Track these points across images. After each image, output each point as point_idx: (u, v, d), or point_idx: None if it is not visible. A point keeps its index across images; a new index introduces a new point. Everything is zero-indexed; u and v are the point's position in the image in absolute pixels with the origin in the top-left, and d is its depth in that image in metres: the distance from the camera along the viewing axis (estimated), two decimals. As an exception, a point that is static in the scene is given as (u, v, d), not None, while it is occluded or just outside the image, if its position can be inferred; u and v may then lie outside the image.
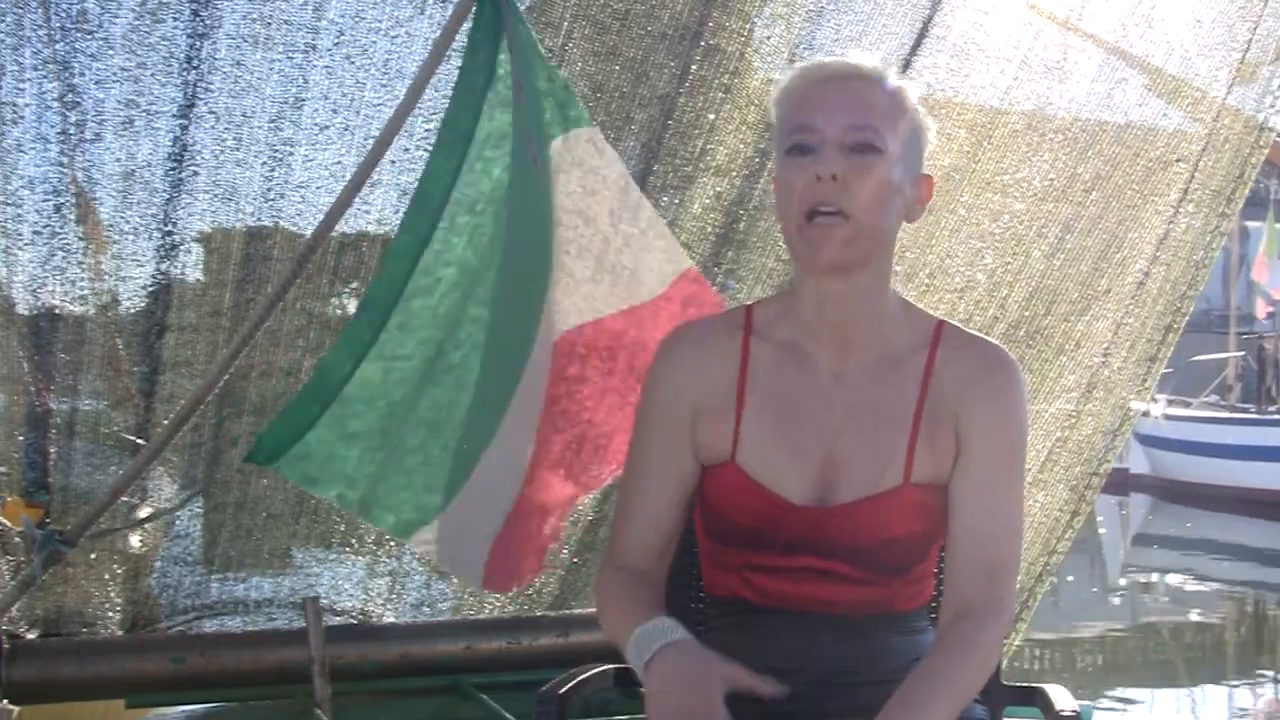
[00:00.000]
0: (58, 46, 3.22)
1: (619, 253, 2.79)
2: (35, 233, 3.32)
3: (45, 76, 3.23)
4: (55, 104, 3.25)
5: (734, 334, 2.36)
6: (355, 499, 2.62)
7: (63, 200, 3.32)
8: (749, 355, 2.34)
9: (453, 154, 2.53)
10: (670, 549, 2.39)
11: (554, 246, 2.66)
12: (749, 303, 2.44)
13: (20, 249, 3.33)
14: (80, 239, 3.36)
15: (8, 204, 3.28)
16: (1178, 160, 4.19)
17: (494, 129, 2.57)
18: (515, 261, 2.62)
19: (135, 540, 3.79)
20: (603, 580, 2.37)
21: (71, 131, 3.28)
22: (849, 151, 2.18)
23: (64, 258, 3.35)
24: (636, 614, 2.22)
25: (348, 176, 3.30)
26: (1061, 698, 2.47)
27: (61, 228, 3.33)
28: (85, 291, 3.41)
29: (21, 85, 3.21)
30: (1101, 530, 21.05)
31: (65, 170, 3.31)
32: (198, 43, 3.29)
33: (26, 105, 3.24)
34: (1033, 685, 2.54)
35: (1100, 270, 4.26)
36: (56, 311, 3.41)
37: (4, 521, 3.49)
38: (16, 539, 3.42)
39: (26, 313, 3.41)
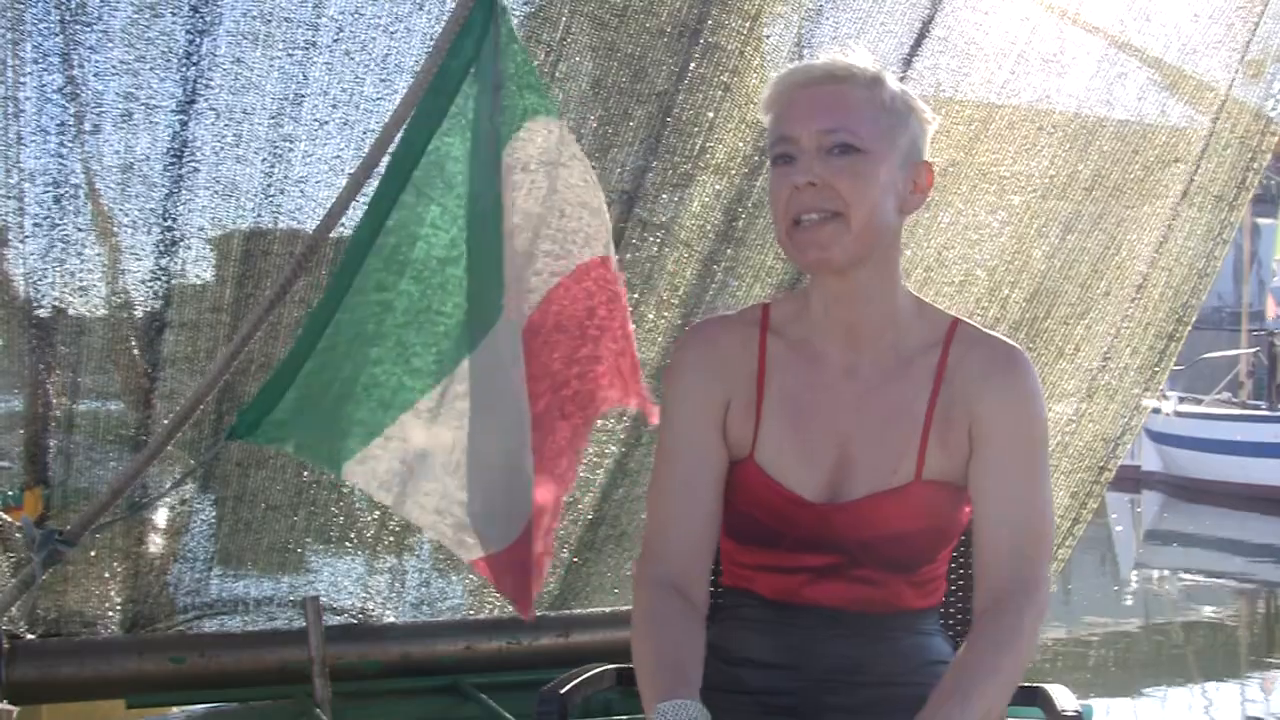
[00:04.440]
0: (57, 39, 3.21)
1: (561, 218, 2.80)
2: (35, 225, 3.31)
3: (45, 70, 3.22)
4: (55, 96, 3.24)
5: (752, 331, 2.38)
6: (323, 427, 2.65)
7: (63, 192, 3.31)
8: (766, 352, 2.36)
9: (422, 133, 2.56)
10: (711, 548, 2.37)
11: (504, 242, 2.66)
12: (766, 301, 2.46)
13: (21, 242, 3.32)
14: (80, 230, 3.35)
15: (8, 197, 3.27)
16: (1175, 160, 4.16)
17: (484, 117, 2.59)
18: (474, 253, 2.65)
19: (157, 540, 3.78)
20: (641, 591, 2.34)
21: (71, 124, 3.27)
22: (827, 155, 2.19)
23: (63, 249, 3.35)
24: (667, 674, 2.17)
25: (347, 170, 3.32)
26: (1063, 697, 2.47)
27: (61, 220, 3.33)
28: (85, 285, 3.41)
29: (22, 79, 3.20)
30: (1118, 528, 21.09)
31: (65, 163, 3.30)
32: (197, 39, 3.28)
33: (27, 99, 3.23)
34: (1034, 685, 2.53)
35: (1099, 272, 4.25)
36: (56, 305, 3.40)
37: (4, 517, 3.48)
38: (17, 535, 3.41)
39: (26, 307, 3.40)
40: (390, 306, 2.63)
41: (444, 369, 2.67)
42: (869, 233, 2.21)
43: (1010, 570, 2.24)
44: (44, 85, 3.23)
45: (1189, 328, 4.34)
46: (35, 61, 3.21)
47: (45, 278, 3.36)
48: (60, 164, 3.29)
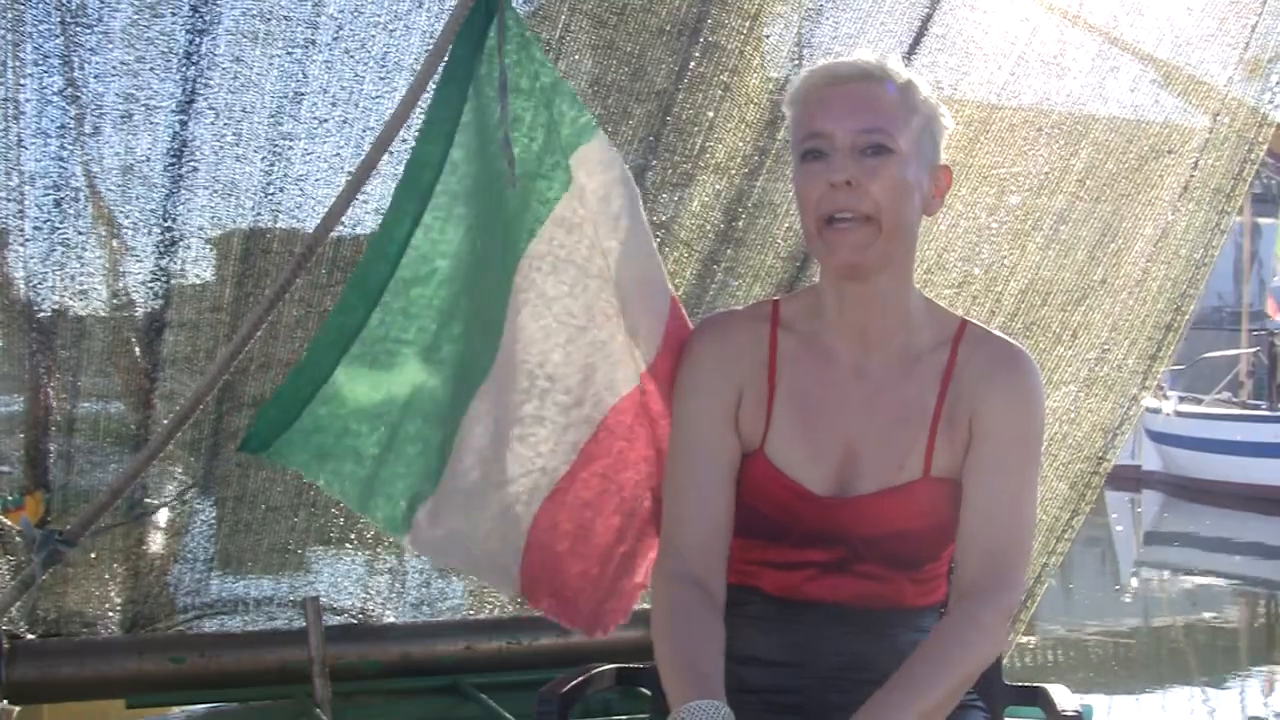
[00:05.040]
0: (57, 40, 3.20)
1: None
2: (35, 227, 3.31)
3: (45, 71, 3.21)
4: (55, 98, 3.24)
5: (762, 326, 2.40)
6: (361, 476, 2.57)
7: (63, 195, 3.31)
8: (776, 347, 2.38)
9: (436, 142, 2.50)
10: (726, 540, 2.38)
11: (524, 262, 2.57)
12: (776, 298, 2.48)
13: (21, 244, 3.32)
14: (80, 233, 3.35)
15: (9, 199, 3.27)
16: (1169, 152, 4.17)
17: (487, 123, 2.53)
18: (485, 264, 2.57)
19: (157, 541, 3.78)
20: (661, 587, 2.35)
21: (71, 126, 3.27)
22: (860, 155, 2.20)
23: (64, 252, 3.35)
24: (690, 673, 2.18)
25: (346, 169, 3.32)
26: (1063, 697, 2.48)
27: (61, 223, 3.33)
28: (85, 287, 3.40)
29: (23, 81, 3.20)
30: (1118, 528, 21.09)
31: (65, 165, 3.30)
32: (197, 39, 3.28)
33: (27, 100, 3.22)
34: (1034, 685, 2.54)
35: (1096, 259, 4.26)
36: (56, 308, 3.40)
37: (4, 520, 3.48)
38: (17, 538, 3.41)
39: (27, 309, 3.40)
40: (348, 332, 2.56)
41: (392, 409, 2.59)
42: (894, 235, 2.23)
43: (982, 567, 2.26)
44: (44, 87, 3.23)
45: (1186, 318, 4.35)
46: (35, 63, 3.21)
47: (45, 280, 3.36)
48: (60, 166, 3.29)
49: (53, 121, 3.27)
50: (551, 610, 2.71)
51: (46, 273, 3.35)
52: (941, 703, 2.14)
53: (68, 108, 3.27)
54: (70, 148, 3.29)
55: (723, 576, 2.37)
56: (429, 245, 2.50)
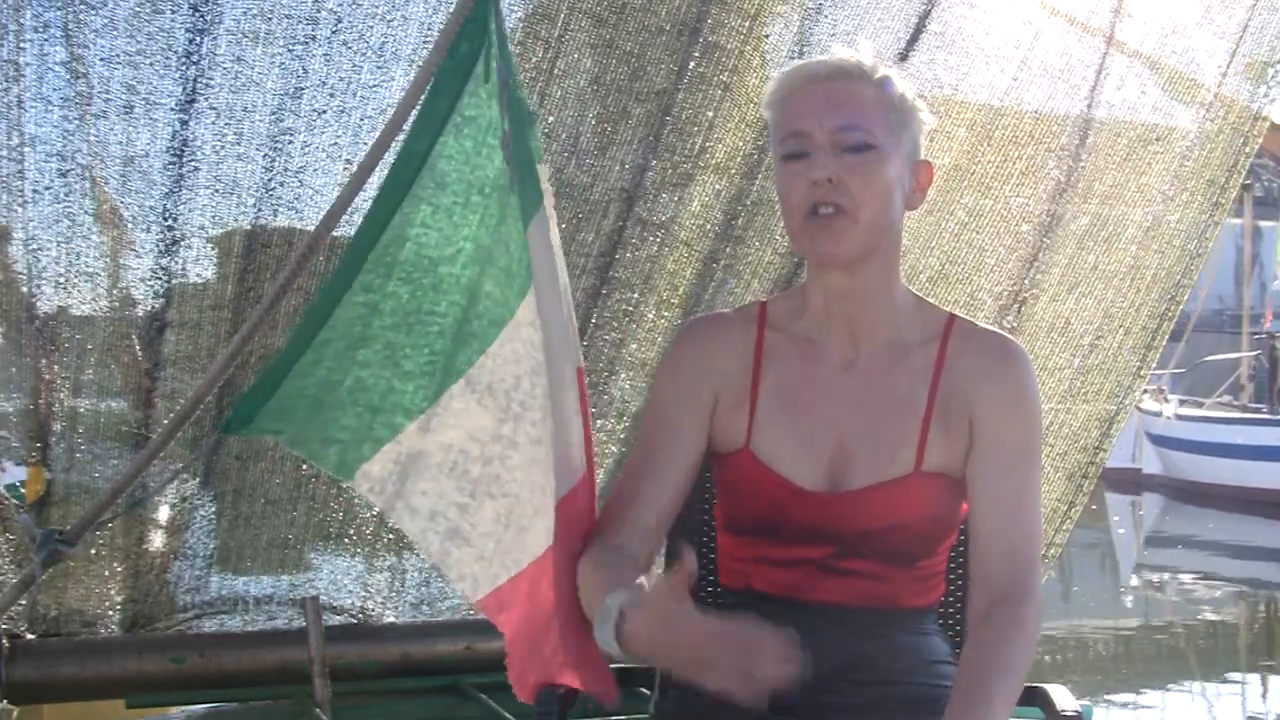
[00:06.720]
0: (58, 33, 3.20)
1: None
2: (36, 225, 3.31)
3: (47, 71, 3.21)
4: (55, 96, 3.24)
5: (749, 327, 2.41)
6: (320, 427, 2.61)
7: (64, 192, 3.31)
8: (763, 347, 2.38)
9: (424, 137, 2.53)
10: (661, 533, 2.39)
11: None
12: (764, 299, 2.49)
13: (23, 240, 3.32)
14: (81, 229, 3.35)
15: (10, 195, 3.27)
16: (1157, 139, 4.19)
17: (494, 118, 2.56)
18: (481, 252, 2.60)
19: (157, 539, 3.78)
20: (591, 550, 2.35)
21: (74, 117, 3.27)
22: (841, 152, 2.21)
23: (64, 250, 3.34)
24: (610, 579, 2.16)
25: (344, 157, 3.33)
26: (1062, 697, 2.47)
27: (62, 220, 3.32)
28: (86, 284, 3.40)
29: (24, 73, 3.20)
30: (1119, 530, 21.10)
31: (66, 163, 3.29)
32: (197, 38, 3.27)
33: (28, 100, 3.22)
34: (1034, 685, 2.53)
35: (1086, 247, 4.27)
36: (58, 304, 3.40)
37: (4, 495, 3.49)
38: (16, 520, 3.41)
39: (28, 305, 3.40)
40: (377, 309, 2.58)
41: (439, 368, 2.63)
42: (876, 229, 2.24)
43: (1008, 567, 2.26)
44: (46, 70, 3.22)
45: (1180, 307, 4.37)
46: (37, 63, 3.20)
47: (46, 276, 3.36)
48: (61, 163, 3.29)
49: (54, 117, 3.26)
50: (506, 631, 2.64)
51: (47, 268, 3.35)
52: (1009, 705, 2.14)
53: (69, 101, 3.26)
54: (71, 137, 3.29)
55: (650, 564, 2.38)
56: (451, 228, 2.54)
